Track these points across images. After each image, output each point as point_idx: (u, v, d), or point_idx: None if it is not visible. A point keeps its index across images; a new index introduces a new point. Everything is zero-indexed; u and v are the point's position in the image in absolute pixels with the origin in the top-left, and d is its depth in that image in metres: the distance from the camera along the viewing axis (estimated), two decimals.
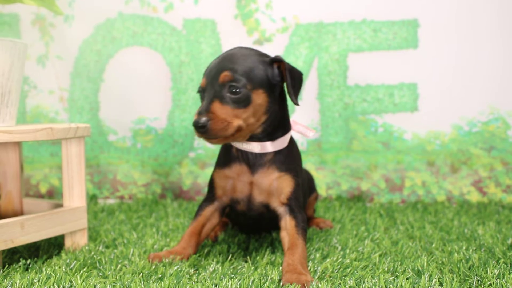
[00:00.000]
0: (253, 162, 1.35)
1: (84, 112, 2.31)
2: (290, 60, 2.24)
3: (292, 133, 1.44)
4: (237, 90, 1.24)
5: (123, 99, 2.30)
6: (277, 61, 1.30)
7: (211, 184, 1.43)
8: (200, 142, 2.29)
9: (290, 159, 1.37)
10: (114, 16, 2.27)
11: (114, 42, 2.28)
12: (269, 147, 1.34)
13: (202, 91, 1.30)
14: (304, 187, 1.63)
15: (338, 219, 1.87)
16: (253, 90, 1.26)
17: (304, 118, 2.25)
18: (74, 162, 1.47)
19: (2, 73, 1.36)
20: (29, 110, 2.33)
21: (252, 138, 1.33)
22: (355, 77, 2.23)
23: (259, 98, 1.27)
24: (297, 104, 1.29)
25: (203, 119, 1.21)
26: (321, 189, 2.26)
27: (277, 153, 1.35)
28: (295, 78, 1.30)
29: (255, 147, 1.34)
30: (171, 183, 2.31)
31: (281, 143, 1.35)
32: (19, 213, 1.60)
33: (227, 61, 1.28)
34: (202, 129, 1.21)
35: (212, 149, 2.28)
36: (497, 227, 1.72)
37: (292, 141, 1.42)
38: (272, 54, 2.24)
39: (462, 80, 2.20)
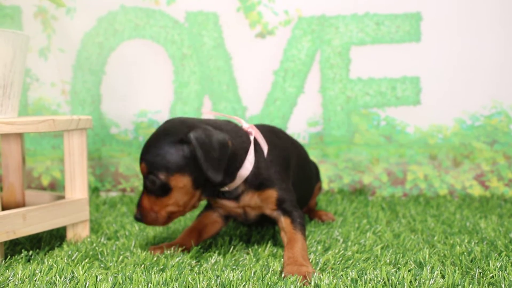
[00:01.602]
0: (230, 196, 1.35)
1: (86, 105, 2.31)
2: (292, 53, 2.23)
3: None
4: (154, 181, 1.23)
5: (125, 92, 2.30)
6: (185, 142, 1.20)
7: None
8: None
9: (262, 173, 1.33)
10: (116, 8, 2.27)
11: (116, 35, 2.28)
12: (233, 184, 1.32)
13: None
14: (312, 173, 1.66)
15: (340, 212, 1.86)
16: (170, 177, 1.21)
17: (307, 112, 2.24)
18: (76, 154, 1.47)
19: (4, 64, 1.36)
20: (31, 103, 2.33)
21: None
22: (357, 71, 2.23)
23: (180, 182, 1.22)
24: (215, 181, 1.19)
25: (137, 215, 1.29)
26: (323, 183, 2.26)
27: (245, 179, 1.32)
28: (211, 150, 1.19)
29: (224, 188, 1.33)
30: None
31: (244, 172, 1.30)
32: (21, 205, 1.60)
33: (145, 149, 1.26)
34: (141, 223, 1.31)
35: None
36: (499, 220, 1.72)
37: (259, 151, 1.34)
38: (274, 48, 2.27)
39: (465, 73, 2.19)
